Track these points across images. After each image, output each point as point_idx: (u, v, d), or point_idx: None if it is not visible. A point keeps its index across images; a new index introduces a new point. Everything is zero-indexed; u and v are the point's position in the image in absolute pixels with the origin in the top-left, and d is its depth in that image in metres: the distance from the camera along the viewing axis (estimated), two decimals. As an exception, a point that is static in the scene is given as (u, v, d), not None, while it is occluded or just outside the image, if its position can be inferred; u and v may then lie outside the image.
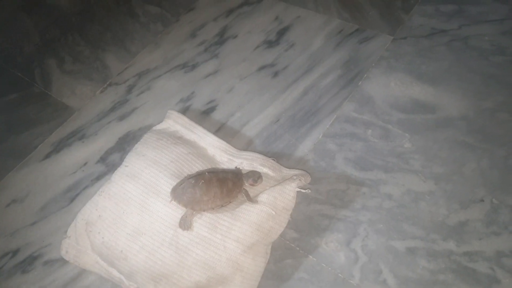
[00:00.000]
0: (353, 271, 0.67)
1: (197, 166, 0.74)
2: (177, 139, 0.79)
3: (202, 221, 0.66)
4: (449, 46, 0.93)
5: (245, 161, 0.75)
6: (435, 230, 0.69)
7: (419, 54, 0.93)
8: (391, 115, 0.84)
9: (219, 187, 0.66)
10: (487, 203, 0.71)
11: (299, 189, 0.69)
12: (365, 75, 0.90)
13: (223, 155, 0.77)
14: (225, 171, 0.70)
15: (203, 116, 0.89)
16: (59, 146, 0.89)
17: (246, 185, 0.70)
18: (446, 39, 0.94)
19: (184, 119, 0.83)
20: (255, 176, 0.69)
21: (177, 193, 0.67)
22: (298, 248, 0.70)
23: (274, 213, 0.67)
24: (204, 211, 0.66)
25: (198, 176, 0.67)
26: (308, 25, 1.02)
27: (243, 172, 0.71)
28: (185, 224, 0.66)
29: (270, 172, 0.73)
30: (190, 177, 0.69)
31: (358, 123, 0.84)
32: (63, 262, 0.72)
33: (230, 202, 0.68)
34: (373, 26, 0.99)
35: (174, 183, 0.69)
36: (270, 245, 0.69)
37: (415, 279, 0.65)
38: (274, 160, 0.75)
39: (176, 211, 0.68)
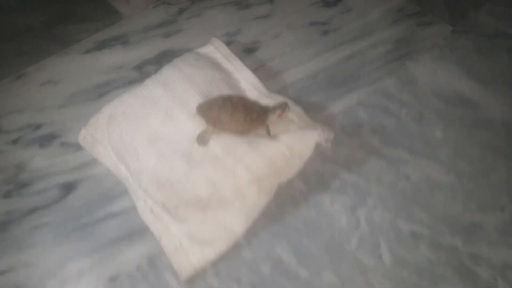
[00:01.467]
0: (351, 237, 0.56)
1: (227, 93, 0.64)
2: (215, 64, 0.68)
3: (219, 142, 0.57)
4: (509, 51, 0.77)
5: (273, 103, 0.62)
6: (445, 223, 0.57)
7: (476, 51, 0.76)
8: (430, 101, 0.70)
9: (244, 113, 0.56)
10: (507, 213, 0.58)
11: (319, 141, 0.58)
12: (415, 57, 0.75)
13: (253, 91, 0.66)
14: (254, 103, 0.60)
15: (244, 53, 0.77)
16: (101, 45, 0.79)
17: (271, 120, 0.59)
18: (509, 43, 0.78)
19: (225, 49, 0.71)
20: (283, 106, 0.59)
21: (202, 108, 0.58)
22: (302, 199, 0.60)
23: (289, 154, 0.56)
24: (223, 131, 0.57)
25: (227, 98, 0.58)
26: (370, -4, 0.88)
27: (271, 105, 0.61)
28: (202, 139, 0.57)
29: (295, 118, 0.62)
30: (219, 97, 0.59)
31: (395, 100, 0.70)
32: (78, 147, 0.64)
33: (249, 132, 0.58)
34: (435, 13, 0.82)
35: (198, 102, 0.59)
36: (276, 187, 0.58)
37: (412, 264, 0.54)
38: (302, 108, 0.64)
39: (196, 127, 0.58)
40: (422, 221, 0.58)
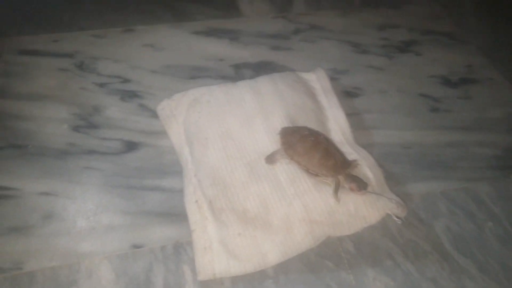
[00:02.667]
0: (381, 323, 0.65)
1: (311, 125, 0.77)
2: (311, 93, 0.83)
3: (287, 169, 0.69)
4: None
5: (355, 154, 0.75)
6: None
7: None
8: (525, 227, 0.78)
9: (321, 155, 0.68)
10: None
11: (390, 213, 0.69)
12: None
13: (339, 134, 0.79)
14: (339, 151, 0.72)
15: (343, 94, 0.91)
16: (211, 33, 1.01)
17: (344, 178, 0.69)
18: None
19: (327, 82, 0.87)
20: (361, 185, 0.68)
21: (286, 131, 0.72)
22: (345, 261, 0.69)
23: (353, 212, 0.67)
24: (292, 159, 0.69)
25: (313, 133, 0.72)
26: (496, 93, 0.98)
27: (353, 172, 0.71)
28: (271, 158, 0.70)
29: (372, 180, 0.73)
30: (306, 128, 0.73)
31: (483, 209, 0.78)
32: (153, 115, 0.82)
33: (316, 175, 0.69)
34: None
35: (284, 122, 0.74)
36: (325, 237, 0.69)
37: None
38: (383, 172, 0.75)
39: (271, 145, 0.72)
40: None
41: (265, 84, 0.82)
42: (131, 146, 0.79)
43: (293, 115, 0.77)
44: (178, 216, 0.71)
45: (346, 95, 0.92)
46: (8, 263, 0.65)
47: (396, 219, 0.68)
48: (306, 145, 0.69)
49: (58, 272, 0.65)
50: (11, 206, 0.71)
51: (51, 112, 0.82)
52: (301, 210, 0.66)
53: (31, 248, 0.67)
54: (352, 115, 0.88)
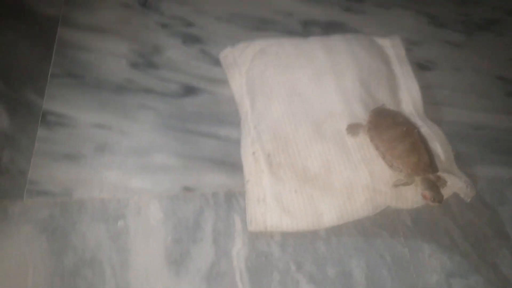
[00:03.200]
0: (432, 299, 0.69)
1: (383, 94, 0.80)
2: (385, 60, 0.87)
3: (360, 139, 0.73)
4: None
5: (425, 127, 0.78)
6: None
7: None
8: None
9: (406, 149, 0.69)
10: None
11: (458, 192, 0.72)
12: None
13: (409, 105, 0.82)
14: (429, 152, 0.72)
15: (415, 67, 0.92)
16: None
17: (419, 187, 0.69)
18: None
19: (402, 51, 0.90)
20: (437, 197, 0.67)
21: (379, 112, 0.75)
22: (401, 234, 0.73)
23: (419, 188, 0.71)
24: (371, 141, 0.72)
25: (407, 123, 0.73)
26: None
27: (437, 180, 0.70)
28: (354, 130, 0.73)
29: (442, 156, 0.75)
30: (403, 117, 0.76)
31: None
32: (214, 61, 0.88)
33: (391, 166, 0.70)
34: None
35: (356, 84, 0.78)
36: (384, 207, 0.72)
37: None
38: (454, 151, 0.78)
39: (339, 105, 0.75)
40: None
41: (338, 42, 0.86)
42: (189, 91, 0.84)
43: (365, 79, 0.80)
44: (232, 166, 0.77)
45: (418, 67, 0.95)
46: (58, 188, 0.72)
47: (462, 196, 0.71)
48: (393, 133, 0.71)
49: (106, 204, 0.72)
50: (65, 134, 0.78)
51: (111, 46, 0.89)
52: (366, 177, 0.70)
53: (81, 177, 0.74)
54: (423, 89, 0.90)
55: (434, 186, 0.69)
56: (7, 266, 0.65)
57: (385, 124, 0.72)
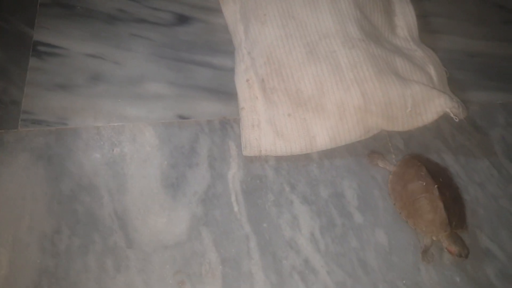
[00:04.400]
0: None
1: (378, 18, 0.78)
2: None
3: (350, 53, 0.71)
4: None
5: (419, 51, 0.78)
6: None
7: None
8: None
9: (422, 205, 0.66)
10: None
11: (448, 113, 0.72)
12: None
13: (404, 30, 0.81)
14: (458, 203, 0.70)
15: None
16: None
17: (445, 241, 0.66)
18: None
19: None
20: (463, 251, 0.65)
21: (408, 158, 0.72)
22: (393, 157, 0.75)
23: (409, 109, 0.71)
24: (390, 194, 0.70)
25: (431, 179, 0.67)
26: None
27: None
28: (374, 159, 0.73)
29: (435, 79, 0.76)
30: (432, 167, 0.70)
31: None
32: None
33: (407, 223, 0.68)
34: None
35: (351, 6, 0.75)
36: (377, 131, 0.73)
37: (469, 274, 0.66)
38: (447, 73, 0.78)
39: (334, 26, 0.73)
40: (504, 246, 0.69)
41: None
42: (182, 20, 0.83)
43: (360, 1, 0.78)
44: (226, 94, 0.77)
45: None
46: (53, 117, 0.72)
47: (453, 116, 0.71)
48: (412, 188, 0.68)
49: (101, 132, 0.72)
50: (58, 64, 0.77)
51: (100, -25, 0.87)
52: (358, 97, 0.70)
53: (76, 106, 0.74)
54: (419, 17, 0.88)
55: (459, 240, 0.67)
56: (5, 193, 0.66)
57: (407, 177, 0.70)
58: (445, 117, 0.74)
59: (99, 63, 0.77)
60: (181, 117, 0.74)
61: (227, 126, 0.74)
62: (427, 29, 0.88)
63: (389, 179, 0.72)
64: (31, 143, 0.70)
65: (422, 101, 0.71)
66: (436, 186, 0.67)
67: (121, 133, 0.73)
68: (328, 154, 0.73)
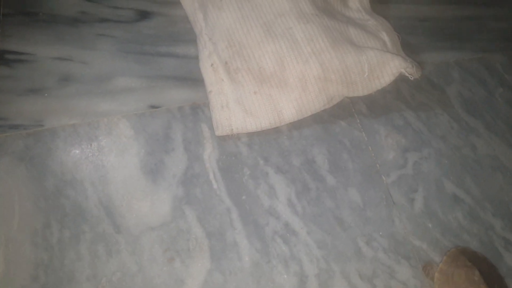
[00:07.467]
0: (391, 172, 0.75)
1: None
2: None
3: (305, 28, 0.76)
4: None
5: (372, 20, 0.83)
6: (493, 202, 0.75)
7: None
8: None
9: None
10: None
11: (404, 73, 0.77)
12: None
13: (356, 2, 0.86)
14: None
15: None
16: None
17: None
18: None
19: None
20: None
21: (457, 253, 0.69)
22: (358, 121, 0.79)
23: (367, 73, 0.76)
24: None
25: (482, 286, 0.63)
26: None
27: None
28: (428, 271, 0.69)
29: (389, 44, 0.81)
30: (485, 270, 0.67)
31: (496, 76, 0.88)
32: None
33: None
34: None
35: None
36: (339, 98, 0.78)
37: (441, 220, 0.72)
38: (399, 37, 0.83)
39: (287, 4, 0.77)
40: (470, 191, 0.75)
41: None
42: (143, 15, 0.86)
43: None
44: (193, 80, 0.80)
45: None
46: (28, 121, 0.75)
47: (408, 75, 0.76)
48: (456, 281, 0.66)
49: (78, 129, 0.75)
50: (26, 70, 0.79)
51: (58, -19, 0.89)
52: (316, 68, 0.74)
53: (50, 108, 0.76)
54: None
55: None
56: (-8, 197, 0.70)
57: (458, 280, 0.65)
58: (402, 79, 0.79)
59: (67, 64, 0.80)
60: (153, 106, 0.77)
61: (198, 111, 0.78)
62: (378, 0, 0.93)
63: (436, 278, 0.67)
64: (11, 147, 0.72)
65: (377, 65, 0.76)
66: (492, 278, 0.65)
67: (96, 128, 0.75)
68: (297, 126, 0.78)
